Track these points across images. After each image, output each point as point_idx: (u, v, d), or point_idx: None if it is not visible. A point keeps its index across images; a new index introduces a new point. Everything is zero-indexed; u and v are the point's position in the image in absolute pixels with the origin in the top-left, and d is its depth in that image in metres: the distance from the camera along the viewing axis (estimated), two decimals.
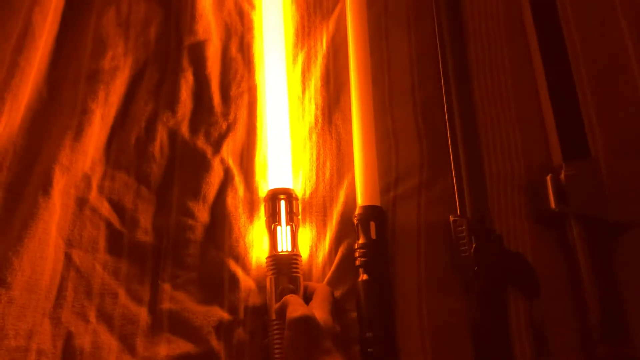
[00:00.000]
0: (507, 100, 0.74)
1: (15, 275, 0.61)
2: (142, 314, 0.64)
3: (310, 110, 0.76)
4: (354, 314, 0.64)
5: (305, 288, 0.64)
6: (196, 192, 0.70)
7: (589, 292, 0.62)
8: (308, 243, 0.70)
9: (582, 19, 0.77)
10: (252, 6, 0.82)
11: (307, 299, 0.63)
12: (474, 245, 0.65)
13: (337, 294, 0.66)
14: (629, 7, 0.77)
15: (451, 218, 0.67)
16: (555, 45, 0.75)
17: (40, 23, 0.74)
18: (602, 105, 0.72)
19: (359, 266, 0.66)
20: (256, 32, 0.81)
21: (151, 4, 0.80)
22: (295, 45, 0.80)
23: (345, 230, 0.69)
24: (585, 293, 0.62)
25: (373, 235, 0.67)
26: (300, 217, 0.70)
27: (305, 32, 0.80)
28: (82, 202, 0.69)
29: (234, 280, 0.66)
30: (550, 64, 0.74)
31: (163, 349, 0.61)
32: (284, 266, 0.65)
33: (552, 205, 0.66)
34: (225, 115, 0.75)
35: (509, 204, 0.69)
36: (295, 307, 0.56)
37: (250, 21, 0.81)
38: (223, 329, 0.63)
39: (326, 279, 0.67)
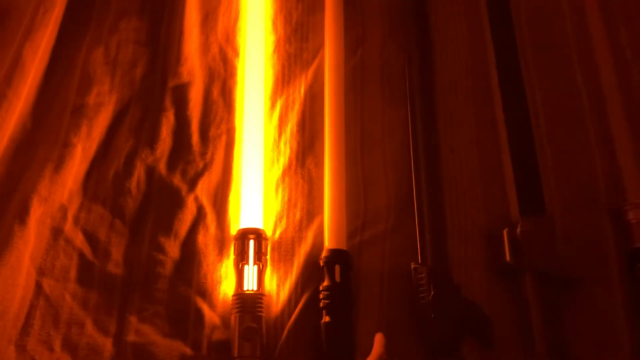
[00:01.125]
0: (471, 155, 0.78)
1: None
2: (107, 345, 0.65)
3: (285, 153, 0.80)
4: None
5: None
6: (168, 228, 0.73)
7: (539, 345, 0.65)
8: (275, 282, 0.72)
9: (543, 83, 0.82)
10: (236, 53, 0.86)
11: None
12: (432, 293, 0.67)
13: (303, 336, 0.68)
14: (586, 69, 0.82)
15: (412, 265, 0.70)
16: (517, 105, 0.80)
17: (30, 57, 0.77)
18: (559, 163, 0.77)
19: (323, 308, 0.68)
20: (238, 77, 0.85)
21: (139, 45, 0.84)
22: (275, 92, 0.84)
23: (311, 271, 0.72)
24: (536, 345, 0.65)
25: (337, 278, 0.69)
26: (268, 256, 0.73)
27: (285, 80, 0.85)
28: (57, 232, 0.71)
29: (199, 316, 0.68)
30: (512, 123, 0.79)
31: None
32: (248, 305, 0.67)
33: (508, 258, 0.69)
34: (203, 154, 0.78)
35: (469, 255, 0.72)
36: None
37: (234, 67, 0.85)
38: None
39: (291, 320, 0.69)
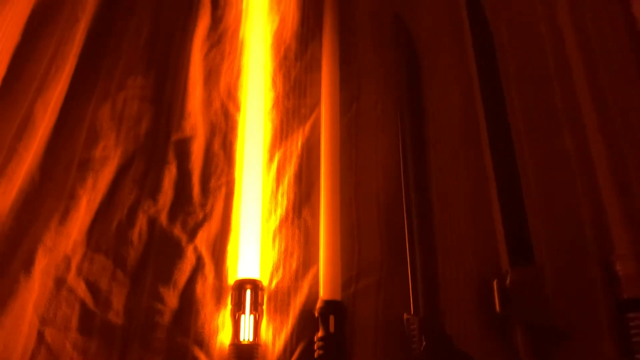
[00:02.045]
0: (463, 207, 0.81)
1: None
2: None
3: (283, 204, 0.82)
4: None
5: None
6: (168, 278, 0.75)
7: None
8: (271, 332, 0.74)
9: (532, 137, 0.85)
10: (237, 108, 0.90)
11: None
12: (423, 344, 0.69)
13: None
14: (574, 127, 0.85)
15: (405, 316, 0.72)
16: (506, 158, 0.83)
17: (40, 113, 0.82)
18: (548, 215, 0.79)
19: (317, 358, 0.70)
20: (239, 131, 0.88)
21: (144, 102, 0.88)
22: (273, 145, 0.87)
23: (306, 322, 0.74)
24: None
25: (332, 329, 0.71)
26: (265, 306, 0.75)
27: (283, 134, 0.88)
28: (60, 282, 0.73)
29: None
30: (501, 175, 0.81)
31: None
32: (244, 355, 0.69)
33: (498, 309, 0.71)
34: (203, 205, 0.81)
35: (461, 305, 0.74)
36: None
37: (234, 121, 0.89)
38: None
39: None
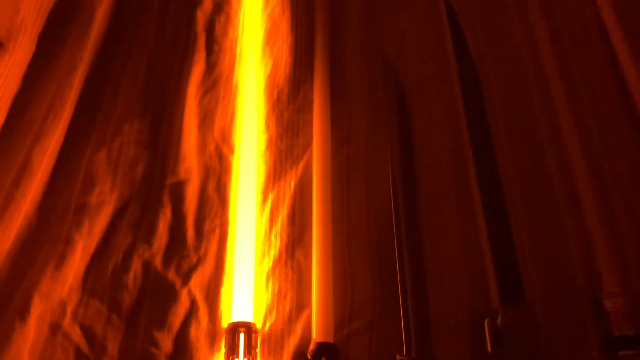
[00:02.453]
0: (453, 246, 0.82)
1: None
2: None
3: (276, 245, 0.84)
4: None
5: None
6: (162, 322, 0.76)
7: None
8: None
9: (521, 176, 0.87)
10: (231, 151, 0.92)
11: None
12: None
13: None
14: (558, 162, 0.88)
15: (397, 357, 0.72)
16: (495, 198, 0.84)
17: (38, 160, 0.83)
18: (538, 253, 0.80)
19: None
20: (233, 173, 0.90)
21: (140, 146, 0.90)
22: (267, 186, 0.89)
23: None
24: None
25: None
26: (258, 349, 0.75)
27: (276, 176, 0.90)
28: (55, 328, 0.74)
29: None
30: (490, 215, 0.83)
31: None
32: None
33: (490, 349, 0.71)
34: (197, 249, 0.82)
35: (453, 345, 0.75)
36: None
37: (229, 164, 0.91)
38: None
39: None
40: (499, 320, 0.73)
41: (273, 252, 0.83)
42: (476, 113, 0.93)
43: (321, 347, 0.73)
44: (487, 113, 0.93)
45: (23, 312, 0.73)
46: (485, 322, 0.73)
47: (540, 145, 0.90)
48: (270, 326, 0.78)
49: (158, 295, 0.78)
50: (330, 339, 0.75)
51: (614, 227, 0.81)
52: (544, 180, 0.87)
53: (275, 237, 0.85)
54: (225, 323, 0.77)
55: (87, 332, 0.75)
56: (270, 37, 1.04)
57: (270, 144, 0.93)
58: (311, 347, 0.74)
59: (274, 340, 0.76)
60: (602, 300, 0.75)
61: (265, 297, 0.80)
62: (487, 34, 1.03)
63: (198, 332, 0.76)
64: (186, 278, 0.80)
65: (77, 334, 0.74)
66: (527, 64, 0.99)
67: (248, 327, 0.75)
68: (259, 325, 0.77)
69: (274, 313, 0.78)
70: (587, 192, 0.84)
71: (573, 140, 0.89)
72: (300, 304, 0.79)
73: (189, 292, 0.79)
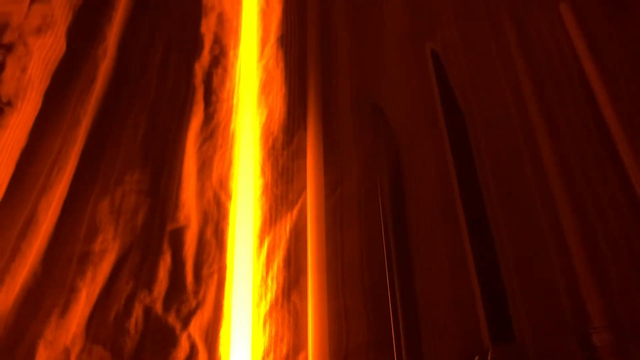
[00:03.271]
0: (444, 286, 0.85)
1: None
2: None
3: (272, 288, 0.86)
4: None
5: None
6: None
7: None
8: None
9: (508, 219, 0.91)
10: (228, 197, 0.96)
11: None
12: None
13: None
14: (544, 201, 0.91)
15: None
16: (484, 237, 0.88)
17: (44, 212, 0.87)
18: (527, 293, 0.83)
19: None
20: (230, 219, 0.94)
21: (141, 195, 0.94)
22: (263, 230, 0.93)
23: None
24: None
25: None
26: None
27: (272, 220, 0.93)
28: None
29: None
30: (480, 255, 0.86)
31: None
32: None
33: None
34: (196, 293, 0.85)
35: None
36: None
37: (226, 209, 0.95)
38: None
39: None
40: (489, 358, 0.74)
41: (270, 295, 0.86)
42: (462, 152, 0.97)
43: None
44: (473, 151, 0.97)
45: None
46: (476, 358, 0.75)
47: (526, 184, 0.94)
48: None
49: (159, 339, 0.81)
50: None
51: (599, 264, 0.84)
52: (531, 220, 0.91)
53: (272, 281, 0.87)
54: None
55: None
56: (265, 88, 1.10)
57: (266, 189, 0.97)
58: None
59: None
60: (589, 335, 0.77)
61: (263, 340, 0.82)
62: (472, 78, 1.08)
63: None
64: (186, 322, 0.82)
65: None
66: (509, 105, 1.04)
67: None
68: None
69: (271, 356, 0.80)
70: (573, 231, 0.88)
71: (557, 180, 0.93)
72: (297, 346, 0.81)
73: (189, 336, 0.81)
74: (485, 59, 1.10)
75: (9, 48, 1.00)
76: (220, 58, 1.14)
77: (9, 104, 0.94)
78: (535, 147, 0.96)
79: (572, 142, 0.97)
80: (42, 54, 1.04)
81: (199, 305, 0.85)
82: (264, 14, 1.16)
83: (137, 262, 0.87)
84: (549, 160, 0.94)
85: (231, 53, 1.15)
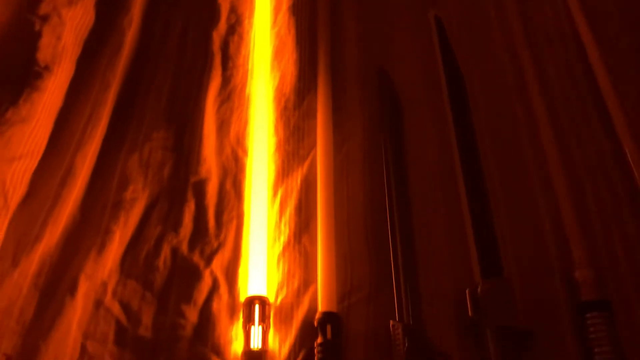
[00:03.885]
0: (440, 230, 0.93)
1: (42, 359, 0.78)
2: None
3: (285, 232, 0.96)
4: None
5: None
6: (189, 298, 0.88)
7: None
8: (277, 341, 0.86)
9: (501, 169, 0.98)
10: (245, 153, 1.05)
11: None
12: (406, 345, 0.80)
13: None
14: (534, 152, 0.98)
15: (391, 322, 0.83)
16: (478, 187, 0.95)
17: (80, 164, 0.97)
18: (516, 233, 0.91)
19: None
20: (247, 172, 1.03)
21: (166, 151, 1.04)
22: (276, 182, 1.02)
23: (307, 331, 0.85)
24: None
25: (329, 336, 0.83)
26: (271, 319, 0.87)
27: (284, 173, 1.02)
28: (98, 304, 0.87)
29: None
30: (473, 202, 0.94)
31: None
32: None
33: (470, 314, 0.82)
34: (217, 236, 0.95)
35: (440, 313, 0.85)
36: None
37: (243, 164, 1.04)
38: None
39: None
40: (479, 290, 0.83)
41: (283, 238, 0.95)
42: (461, 111, 1.04)
43: (326, 316, 0.85)
44: (471, 111, 1.05)
45: (72, 290, 0.86)
46: (467, 291, 0.83)
47: (518, 138, 1.01)
48: (282, 300, 0.89)
49: (185, 275, 0.91)
50: (334, 310, 0.86)
51: (582, 209, 0.91)
52: (522, 170, 0.98)
53: (285, 226, 0.97)
54: (242, 298, 0.89)
55: (125, 307, 0.88)
56: (277, 53, 1.18)
57: (279, 146, 1.06)
58: (317, 316, 0.85)
59: (285, 312, 0.88)
60: (572, 271, 0.85)
61: (277, 276, 0.92)
62: (472, 43, 1.15)
63: (220, 306, 0.88)
64: (209, 260, 0.92)
65: (116, 309, 0.87)
66: (506, 66, 1.11)
67: (262, 300, 0.87)
68: (271, 299, 0.89)
69: (284, 289, 0.90)
70: (559, 177, 0.95)
71: (547, 132, 1.00)
72: (307, 281, 0.91)
73: (211, 272, 0.91)
74: (483, 24, 1.16)
75: (44, 18, 1.09)
76: (236, 26, 1.22)
77: (47, 68, 1.03)
78: (529, 104, 1.02)
79: (564, 101, 1.03)
80: (74, 24, 1.13)
81: (220, 246, 0.94)
82: None
83: (165, 209, 0.96)
84: (541, 116, 1.00)
85: (246, 21, 1.23)
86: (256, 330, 0.84)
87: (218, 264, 0.92)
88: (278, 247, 0.95)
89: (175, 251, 0.93)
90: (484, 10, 1.21)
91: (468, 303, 0.83)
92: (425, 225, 0.94)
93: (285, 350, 0.85)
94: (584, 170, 0.96)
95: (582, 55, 1.11)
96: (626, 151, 0.96)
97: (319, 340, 0.83)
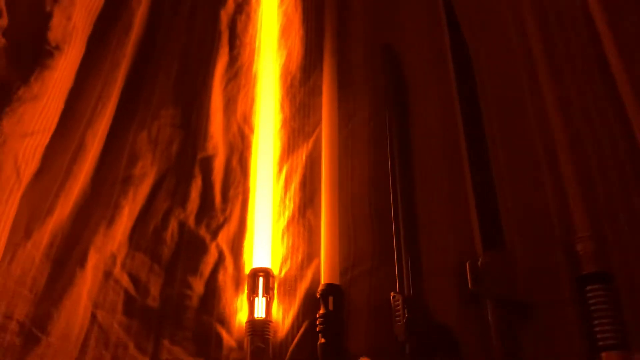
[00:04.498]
0: (443, 204, 0.94)
1: (54, 326, 0.82)
2: None
3: (290, 207, 0.97)
4: None
5: None
6: (195, 270, 0.90)
7: None
8: (281, 312, 0.88)
9: (505, 139, 0.98)
10: (252, 130, 1.07)
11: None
12: (406, 317, 0.81)
13: (303, 354, 0.83)
14: (540, 127, 0.98)
15: (392, 294, 0.85)
16: (481, 161, 0.96)
17: (90, 141, 1.00)
18: (518, 206, 0.91)
19: (319, 332, 0.83)
20: (253, 149, 1.04)
21: (175, 128, 1.06)
22: (282, 158, 1.03)
23: (310, 302, 0.87)
24: None
25: (331, 307, 0.84)
26: (275, 291, 0.89)
27: (290, 149, 1.04)
28: (108, 275, 0.90)
29: (218, 340, 0.85)
30: (476, 175, 0.94)
31: None
32: (258, 329, 0.83)
33: (470, 286, 0.83)
34: (223, 210, 0.97)
35: (441, 285, 0.86)
36: None
37: (249, 141, 1.05)
38: None
39: (294, 343, 0.84)
40: (479, 262, 0.83)
41: (287, 213, 0.97)
42: (467, 88, 1.04)
43: (328, 287, 0.86)
44: (477, 88, 1.04)
45: (82, 262, 0.89)
46: (467, 263, 0.84)
47: (523, 112, 1.01)
48: (286, 272, 0.91)
49: (191, 248, 0.93)
50: (337, 282, 0.88)
51: (586, 183, 0.91)
52: (526, 144, 0.97)
53: (289, 201, 0.98)
54: (247, 270, 0.91)
55: (133, 278, 0.90)
56: (284, 31, 1.19)
57: (284, 123, 1.07)
58: (320, 288, 0.87)
59: (289, 284, 0.90)
60: (574, 244, 0.85)
61: (281, 250, 0.94)
62: (481, 22, 1.15)
63: (225, 278, 0.90)
64: (215, 234, 0.94)
65: (125, 280, 0.90)
66: (515, 46, 1.10)
67: (266, 272, 0.89)
68: (275, 272, 0.91)
69: (288, 262, 0.92)
70: (564, 150, 0.94)
71: (553, 105, 0.99)
72: (311, 254, 0.92)
73: (217, 246, 0.93)
74: (493, 3, 1.15)
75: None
76: (244, 5, 1.22)
77: (58, 48, 1.05)
78: (536, 79, 1.01)
79: (572, 80, 1.02)
80: (85, 4, 1.15)
81: (226, 221, 0.96)
82: None
83: (173, 185, 0.98)
84: (548, 89, 0.99)
85: (253, 0, 1.24)
86: (260, 302, 0.86)
87: (224, 238, 0.94)
88: (283, 222, 0.96)
89: (182, 225, 0.95)
90: None
91: (468, 275, 0.83)
92: (428, 199, 0.95)
93: (289, 321, 0.87)
94: (590, 144, 0.96)
95: (592, 35, 1.09)
96: (633, 125, 0.95)
97: (321, 311, 0.84)
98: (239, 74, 1.13)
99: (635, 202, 0.89)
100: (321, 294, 0.86)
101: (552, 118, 0.99)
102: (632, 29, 1.07)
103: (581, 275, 0.83)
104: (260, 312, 0.85)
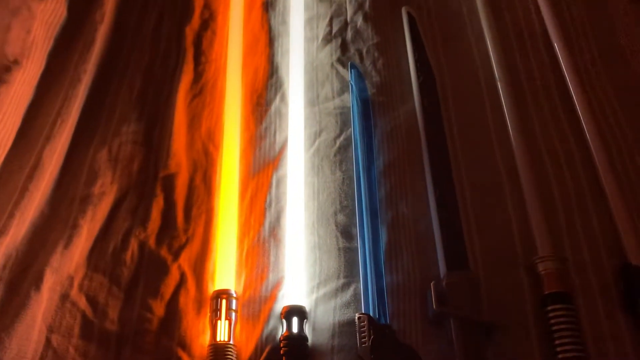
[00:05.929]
0: (408, 224, 0.94)
1: (5, 353, 0.78)
2: None
3: (255, 228, 0.96)
4: None
5: None
6: (156, 292, 0.88)
7: None
8: (244, 334, 0.86)
9: (468, 160, 0.99)
10: (216, 148, 1.05)
11: None
12: (371, 338, 0.81)
13: None
14: (501, 145, 0.99)
15: (357, 315, 0.84)
16: (446, 182, 0.96)
17: (48, 158, 0.97)
18: (482, 227, 0.92)
19: (283, 354, 0.82)
20: (217, 166, 1.03)
21: (136, 145, 1.04)
22: (247, 177, 1.02)
23: (274, 324, 0.86)
24: None
25: (294, 329, 0.83)
26: (239, 313, 0.87)
27: (255, 168, 1.03)
28: (64, 297, 0.87)
29: None
30: (441, 197, 0.94)
31: None
32: (220, 353, 0.81)
33: (434, 306, 0.83)
34: (186, 230, 0.95)
35: (406, 306, 0.86)
36: None
37: (214, 159, 1.04)
38: None
39: None
40: (444, 282, 0.84)
41: (252, 233, 0.96)
42: (430, 106, 1.05)
43: (292, 309, 0.85)
44: (440, 105, 1.06)
45: (37, 283, 0.85)
46: (432, 284, 0.84)
47: (487, 132, 1.02)
48: (249, 294, 0.90)
49: (152, 269, 0.91)
50: (301, 303, 0.87)
51: (548, 204, 0.93)
52: (488, 163, 0.99)
53: (255, 221, 0.97)
54: (210, 292, 0.89)
55: (91, 300, 0.87)
56: (250, 49, 1.18)
57: (250, 141, 1.06)
58: (284, 309, 0.85)
59: (252, 306, 0.88)
60: (535, 265, 0.86)
61: (245, 271, 0.92)
62: (443, 38, 1.16)
63: (187, 300, 0.88)
64: (176, 255, 0.92)
65: (83, 302, 0.87)
66: (476, 61, 1.12)
67: (229, 294, 0.87)
68: (239, 294, 0.89)
69: (252, 283, 0.90)
70: (526, 175, 0.96)
71: (514, 125, 1.01)
72: (276, 275, 0.91)
73: (179, 267, 0.91)
74: (455, 20, 1.17)
75: (14, 12, 1.09)
76: (210, 22, 1.22)
77: (16, 62, 1.03)
78: (498, 100, 1.02)
79: (532, 99, 1.05)
80: (45, 18, 1.13)
81: (188, 241, 0.94)
82: None
83: (133, 204, 0.95)
84: (509, 109, 1.01)
85: (220, 17, 1.23)
86: (222, 324, 0.84)
87: (186, 258, 0.92)
88: (247, 242, 0.95)
89: (142, 245, 0.93)
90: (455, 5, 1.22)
91: (432, 296, 0.84)
92: (393, 219, 0.95)
93: (252, 344, 0.85)
94: (550, 165, 0.97)
95: (550, 52, 1.12)
96: (590, 144, 0.97)
97: (285, 333, 0.83)
98: (204, 91, 1.12)
99: (594, 223, 0.90)
100: (285, 316, 0.85)
101: (514, 138, 1.01)
102: (586, 48, 1.10)
103: (543, 295, 0.83)
104: (222, 336, 0.83)
